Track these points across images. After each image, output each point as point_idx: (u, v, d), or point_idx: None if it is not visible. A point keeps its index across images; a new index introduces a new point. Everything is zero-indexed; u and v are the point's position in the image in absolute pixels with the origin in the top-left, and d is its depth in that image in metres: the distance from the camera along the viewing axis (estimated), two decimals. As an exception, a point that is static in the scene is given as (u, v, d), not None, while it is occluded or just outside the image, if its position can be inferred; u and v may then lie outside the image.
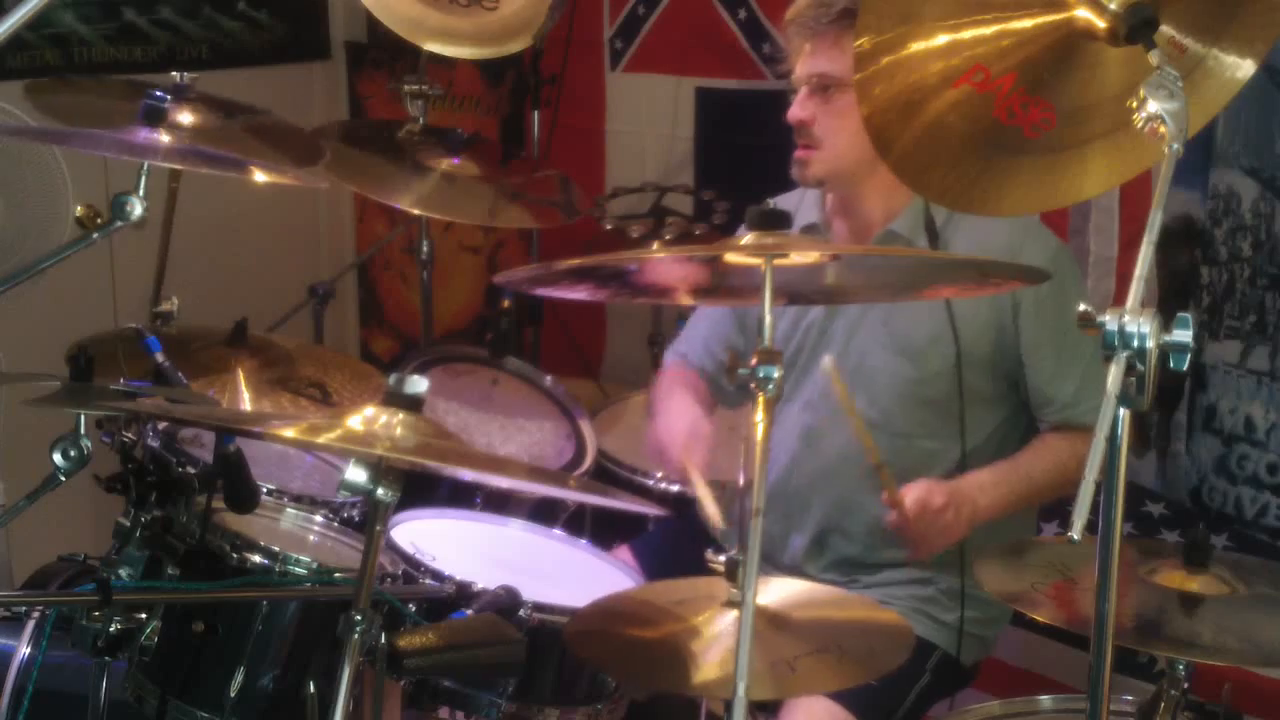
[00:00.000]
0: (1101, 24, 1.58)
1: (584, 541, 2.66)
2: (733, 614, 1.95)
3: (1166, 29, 1.58)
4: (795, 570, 2.59)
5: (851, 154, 2.46)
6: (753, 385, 1.70)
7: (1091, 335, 1.41)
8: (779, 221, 1.83)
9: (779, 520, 2.62)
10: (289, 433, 1.83)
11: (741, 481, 2.10)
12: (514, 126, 4.22)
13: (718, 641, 1.91)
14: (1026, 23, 1.63)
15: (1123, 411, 1.42)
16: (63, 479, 1.98)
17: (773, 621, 1.95)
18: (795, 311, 2.60)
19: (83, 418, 1.97)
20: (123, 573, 1.95)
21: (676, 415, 2.59)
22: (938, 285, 2.24)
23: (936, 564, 2.50)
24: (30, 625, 2.33)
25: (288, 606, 2.11)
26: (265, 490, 2.37)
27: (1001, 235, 2.43)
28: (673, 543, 2.82)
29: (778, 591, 2.06)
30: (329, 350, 3.21)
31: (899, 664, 1.97)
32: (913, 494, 2.34)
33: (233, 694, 2.07)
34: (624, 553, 2.75)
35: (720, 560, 1.97)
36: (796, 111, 2.49)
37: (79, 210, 2.20)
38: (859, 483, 2.52)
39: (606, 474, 3.11)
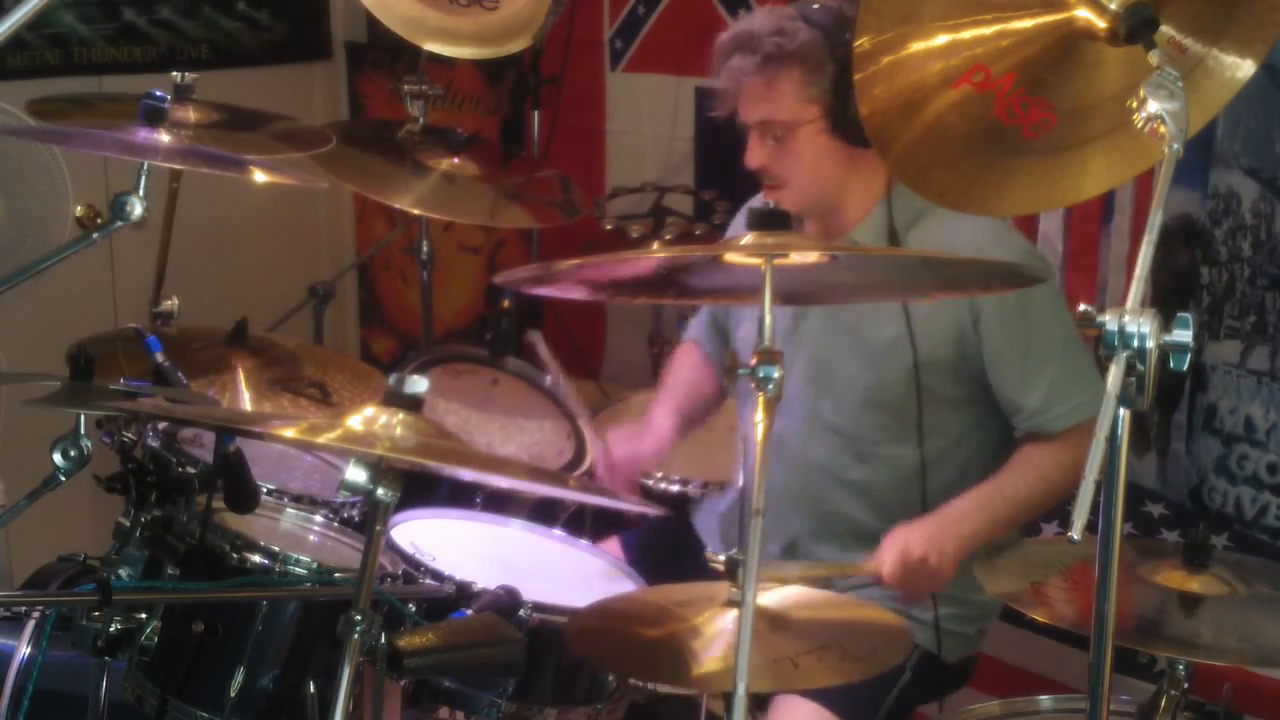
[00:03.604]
0: (1101, 24, 1.58)
1: (584, 541, 2.66)
2: (733, 613, 1.95)
3: (1166, 29, 1.58)
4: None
5: (816, 186, 2.48)
6: (753, 385, 1.70)
7: (1091, 334, 1.41)
8: (779, 221, 1.83)
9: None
10: (289, 433, 1.83)
11: (740, 482, 2.11)
12: (514, 126, 4.22)
13: (718, 639, 1.91)
14: (1026, 23, 1.63)
15: (1123, 411, 1.42)
16: (63, 479, 1.98)
17: (773, 621, 1.96)
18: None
19: (83, 418, 1.97)
20: (123, 573, 1.95)
21: (630, 433, 2.75)
22: (923, 287, 2.24)
23: None
24: (30, 625, 2.33)
25: (288, 606, 2.11)
26: (265, 490, 2.37)
27: (967, 239, 2.36)
28: (660, 538, 2.82)
29: (777, 593, 2.07)
30: (329, 350, 3.21)
31: (898, 661, 1.97)
32: (889, 555, 2.32)
33: (233, 694, 2.07)
34: (613, 545, 2.75)
35: (720, 559, 1.97)
36: (752, 159, 2.49)
37: (79, 210, 2.20)
38: (828, 488, 2.52)
39: (606, 474, 3.11)
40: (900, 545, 2.32)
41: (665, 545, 2.79)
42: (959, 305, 2.43)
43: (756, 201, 2.59)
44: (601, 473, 2.72)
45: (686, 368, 2.89)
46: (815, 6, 2.42)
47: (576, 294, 2.11)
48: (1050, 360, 2.43)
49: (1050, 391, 2.43)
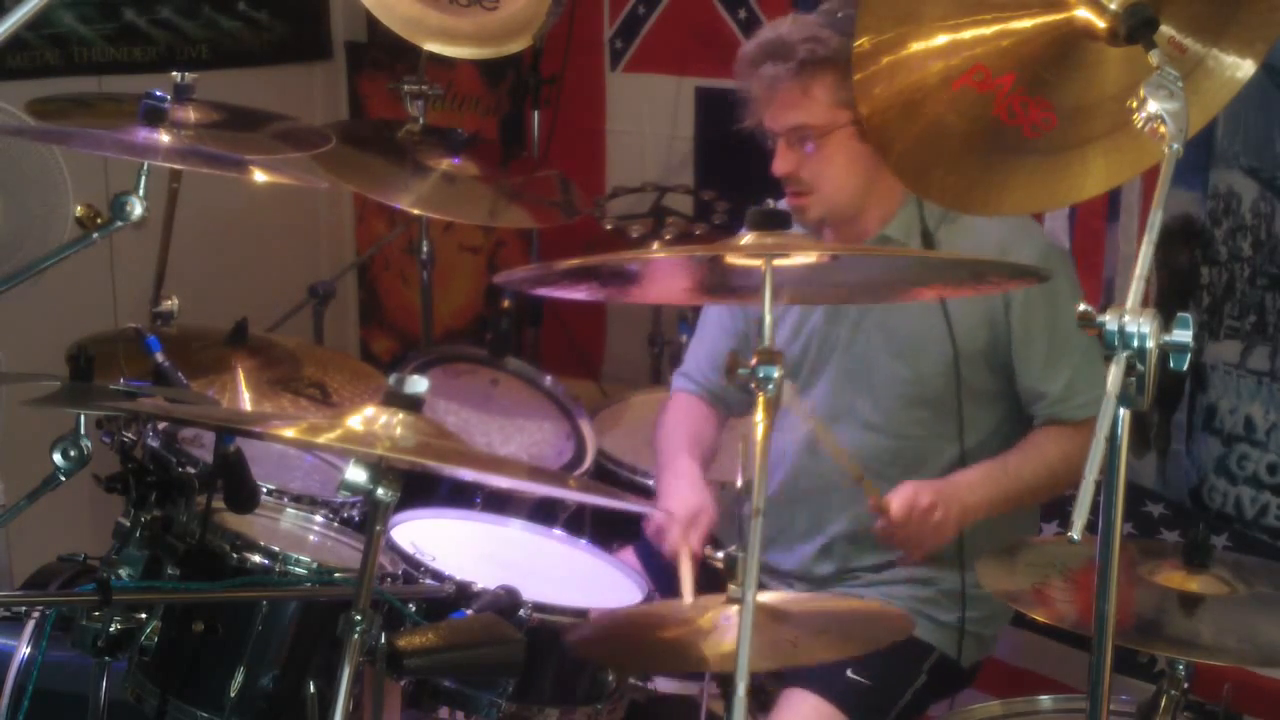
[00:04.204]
0: (1101, 24, 1.58)
1: (584, 541, 2.66)
2: (733, 609, 1.95)
3: (1166, 29, 1.58)
4: (799, 574, 2.59)
5: (845, 191, 2.49)
6: (753, 385, 1.70)
7: (1091, 334, 1.41)
8: (779, 221, 1.83)
9: (784, 529, 2.61)
10: (289, 433, 1.83)
11: (740, 482, 2.10)
12: (514, 126, 4.21)
13: (718, 630, 1.91)
14: (1026, 23, 1.63)
15: (1123, 411, 1.42)
16: (63, 479, 1.98)
17: (773, 615, 1.96)
18: (796, 318, 2.59)
19: (83, 418, 1.97)
20: (123, 573, 1.95)
21: (679, 492, 2.51)
22: (935, 285, 2.24)
23: (937, 564, 2.50)
24: (30, 625, 2.33)
25: (288, 606, 2.11)
26: (265, 490, 2.37)
27: (992, 235, 2.42)
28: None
29: (777, 595, 2.07)
30: (329, 350, 3.21)
31: (896, 640, 1.97)
32: (899, 496, 2.34)
33: (233, 694, 2.07)
34: (628, 555, 2.75)
35: (719, 557, 1.97)
36: (781, 165, 2.49)
37: (79, 210, 2.20)
38: (886, 470, 2.53)
39: (606, 474, 3.11)
40: (910, 492, 2.35)
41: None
42: (991, 294, 2.44)
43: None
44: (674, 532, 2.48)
45: (689, 419, 2.76)
46: (840, 15, 2.43)
47: (577, 294, 2.11)
48: (1073, 351, 2.45)
49: (1072, 381, 2.45)
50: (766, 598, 1.99)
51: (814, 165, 2.47)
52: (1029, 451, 2.49)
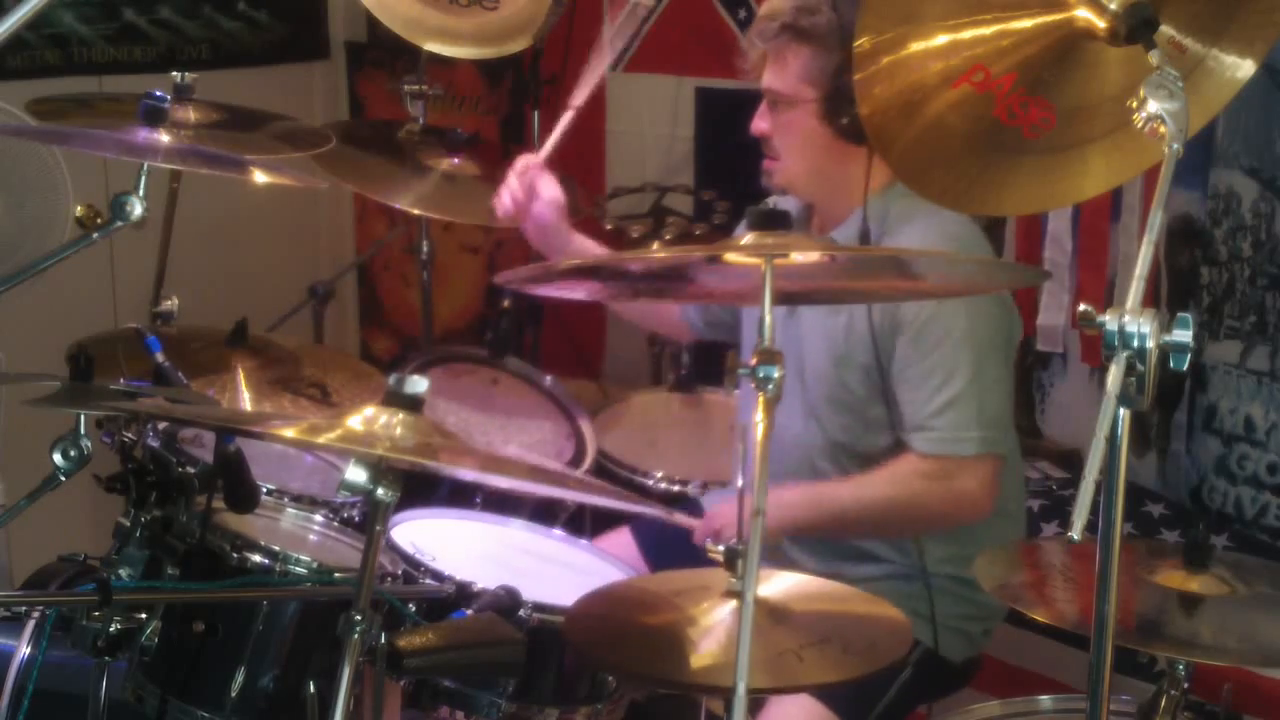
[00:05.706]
0: (1101, 24, 1.58)
1: (584, 541, 2.66)
2: (731, 604, 1.94)
3: (1166, 29, 1.58)
4: (785, 561, 2.59)
5: (800, 166, 2.51)
6: (753, 385, 1.70)
7: (1092, 335, 1.41)
8: (779, 221, 1.83)
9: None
10: (289, 433, 1.83)
11: (740, 482, 2.10)
12: (514, 126, 4.22)
13: (716, 631, 1.90)
14: (1026, 23, 1.63)
15: (1123, 411, 1.42)
16: (63, 479, 1.98)
17: (772, 614, 1.95)
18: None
19: (83, 418, 1.97)
20: (123, 573, 1.95)
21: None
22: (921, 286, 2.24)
23: (907, 556, 2.52)
24: (30, 625, 2.33)
25: (288, 606, 2.11)
26: (265, 490, 2.37)
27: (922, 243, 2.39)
28: (673, 527, 2.83)
29: (775, 585, 2.06)
30: (329, 350, 3.21)
31: (898, 656, 1.97)
32: (703, 523, 2.49)
33: (233, 694, 2.07)
34: (624, 535, 2.75)
35: (719, 550, 1.97)
36: (756, 124, 2.53)
37: (79, 210, 2.20)
38: (820, 464, 2.55)
39: (606, 474, 3.11)
40: (713, 517, 2.48)
41: (679, 534, 2.79)
42: (885, 310, 2.43)
43: (785, 201, 2.62)
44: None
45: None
46: None
47: (577, 294, 2.11)
48: (954, 381, 2.40)
49: (938, 413, 2.41)
50: (764, 590, 1.98)
51: (779, 132, 2.51)
52: (861, 485, 2.48)
